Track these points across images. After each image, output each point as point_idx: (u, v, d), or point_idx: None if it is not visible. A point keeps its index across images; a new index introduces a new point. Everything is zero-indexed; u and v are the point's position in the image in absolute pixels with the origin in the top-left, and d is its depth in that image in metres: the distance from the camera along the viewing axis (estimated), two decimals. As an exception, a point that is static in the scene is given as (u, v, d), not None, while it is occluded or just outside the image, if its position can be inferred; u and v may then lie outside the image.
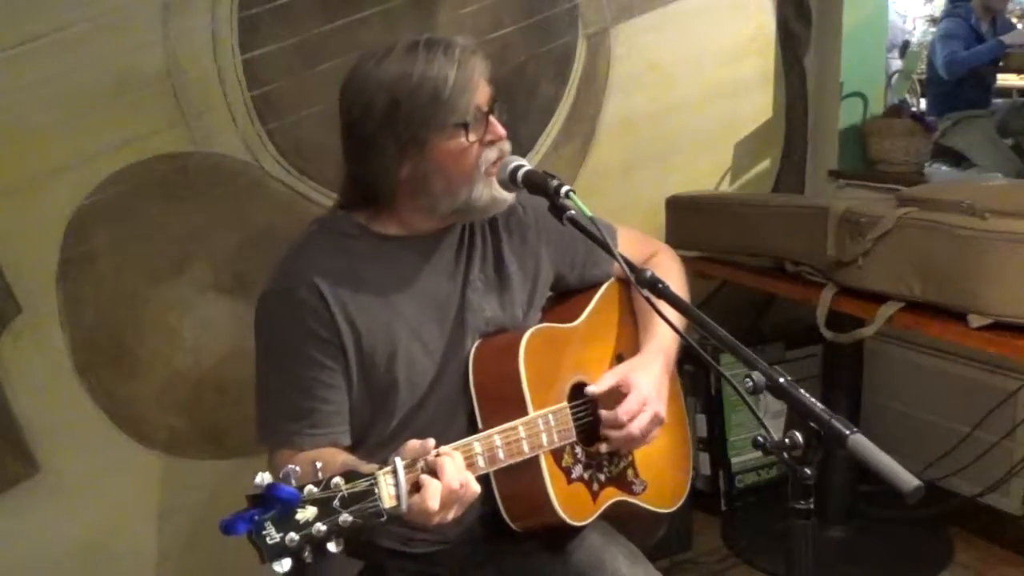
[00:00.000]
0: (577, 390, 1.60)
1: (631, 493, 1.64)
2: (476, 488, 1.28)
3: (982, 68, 4.69)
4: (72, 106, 2.00)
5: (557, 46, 2.61)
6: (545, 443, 1.47)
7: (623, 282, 1.76)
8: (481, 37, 2.38)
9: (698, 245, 2.76)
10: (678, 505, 1.75)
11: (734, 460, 2.97)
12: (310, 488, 1.12)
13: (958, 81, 4.62)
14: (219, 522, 1.09)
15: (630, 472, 1.65)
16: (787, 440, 1.13)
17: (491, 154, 1.46)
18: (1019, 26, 5.22)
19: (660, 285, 1.32)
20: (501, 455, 1.40)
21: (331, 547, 1.12)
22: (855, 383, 2.87)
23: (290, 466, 1.11)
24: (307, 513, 1.11)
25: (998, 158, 4.15)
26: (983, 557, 2.72)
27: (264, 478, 1.10)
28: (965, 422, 2.76)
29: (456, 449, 1.30)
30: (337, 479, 1.14)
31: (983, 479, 2.74)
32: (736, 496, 2.98)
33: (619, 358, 1.71)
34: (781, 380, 1.15)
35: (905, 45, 5.96)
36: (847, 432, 1.10)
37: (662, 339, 1.66)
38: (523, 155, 1.52)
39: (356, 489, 1.15)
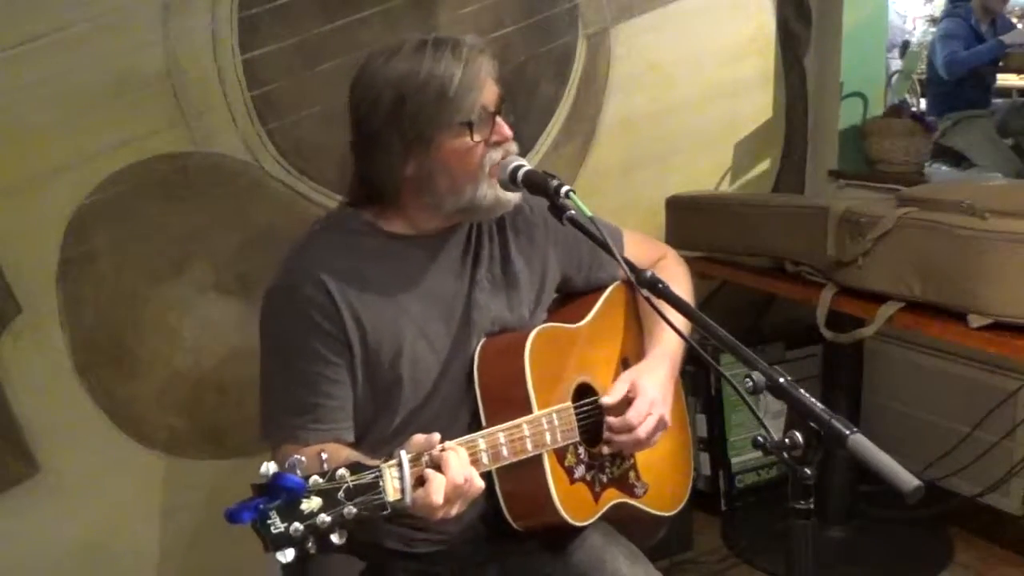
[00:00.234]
0: (581, 391, 1.60)
1: (632, 495, 1.64)
2: (480, 484, 1.29)
3: (982, 68, 4.69)
4: (72, 106, 2.00)
5: (557, 46, 2.61)
6: (549, 442, 1.47)
7: (629, 285, 1.76)
8: (481, 37, 2.38)
9: (698, 245, 2.76)
10: (678, 509, 1.75)
11: (734, 460, 2.97)
12: (315, 479, 1.12)
13: (958, 81, 4.62)
14: (224, 511, 1.09)
15: (632, 474, 1.66)
16: (787, 440, 1.13)
17: (496, 155, 1.47)
18: (1019, 26, 5.22)
19: (660, 285, 1.32)
20: (505, 452, 1.40)
21: (334, 539, 1.12)
22: (855, 383, 2.87)
23: (295, 456, 1.11)
24: (312, 504, 1.11)
25: (998, 158, 4.15)
26: (983, 557, 2.72)
27: (270, 467, 1.10)
28: (965, 422, 2.76)
29: (460, 445, 1.30)
30: (342, 471, 1.14)
31: (983, 479, 2.74)
32: (736, 496, 2.98)
33: (624, 361, 1.71)
34: (781, 380, 1.15)
35: (905, 45, 5.97)
36: (847, 432, 1.10)
37: (667, 344, 1.67)
38: (523, 155, 1.53)
39: (361, 481, 1.15)
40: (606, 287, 1.74)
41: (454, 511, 1.26)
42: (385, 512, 1.17)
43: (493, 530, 1.55)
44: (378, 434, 1.50)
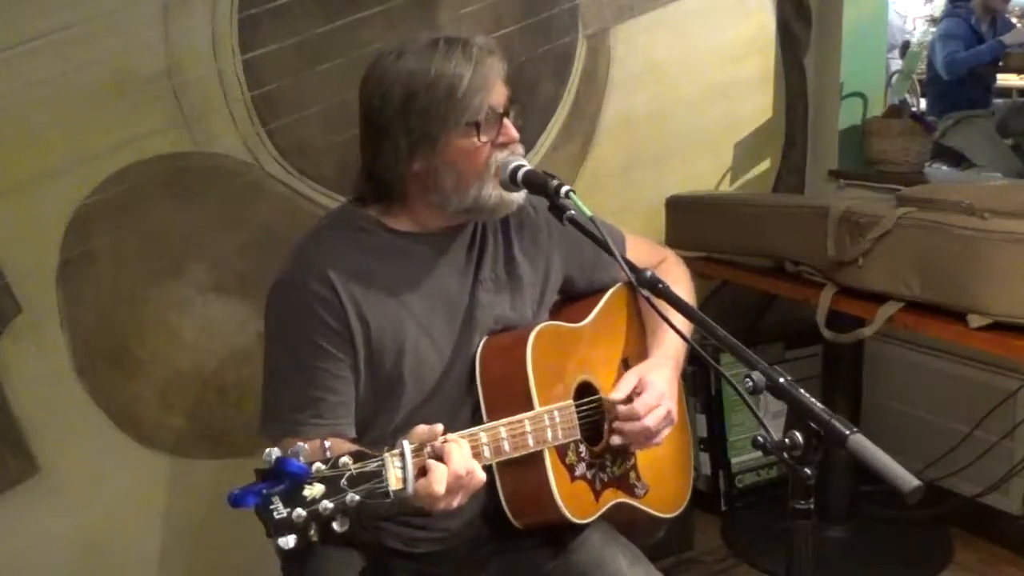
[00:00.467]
0: (582, 389, 1.60)
1: (633, 496, 1.65)
2: (481, 476, 1.29)
3: (982, 68, 4.68)
4: (72, 106, 2.00)
5: (557, 46, 2.61)
6: (550, 439, 1.48)
7: (631, 287, 1.76)
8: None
9: (698, 245, 2.76)
10: (679, 511, 1.75)
11: (734, 460, 2.97)
12: (318, 466, 1.12)
13: (958, 81, 4.62)
14: (228, 494, 1.09)
15: (632, 475, 1.66)
16: (787, 440, 1.14)
17: (502, 156, 1.47)
18: (1019, 26, 5.21)
19: (660, 285, 1.33)
20: (506, 447, 1.40)
21: (336, 526, 1.12)
22: (855, 383, 2.87)
23: (299, 443, 1.12)
24: (315, 490, 1.11)
25: (998, 158, 4.15)
26: (983, 557, 2.72)
27: (273, 452, 1.10)
28: (965, 422, 2.76)
29: (463, 437, 1.31)
30: (345, 458, 1.15)
31: (983, 479, 2.74)
32: (736, 496, 2.98)
33: (624, 361, 1.71)
34: (781, 380, 1.15)
35: (905, 45, 5.97)
36: (847, 432, 1.10)
37: (669, 346, 1.68)
38: (523, 155, 1.53)
39: (364, 469, 1.16)
40: (608, 289, 1.75)
41: (456, 503, 1.27)
42: (387, 500, 1.17)
43: (494, 529, 1.55)
44: (378, 431, 1.50)
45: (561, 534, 1.57)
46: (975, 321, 2.08)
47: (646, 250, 1.78)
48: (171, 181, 2.12)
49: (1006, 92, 5.68)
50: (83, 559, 2.14)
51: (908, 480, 1.06)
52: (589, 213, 1.39)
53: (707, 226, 2.74)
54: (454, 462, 1.24)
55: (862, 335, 2.37)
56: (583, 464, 1.56)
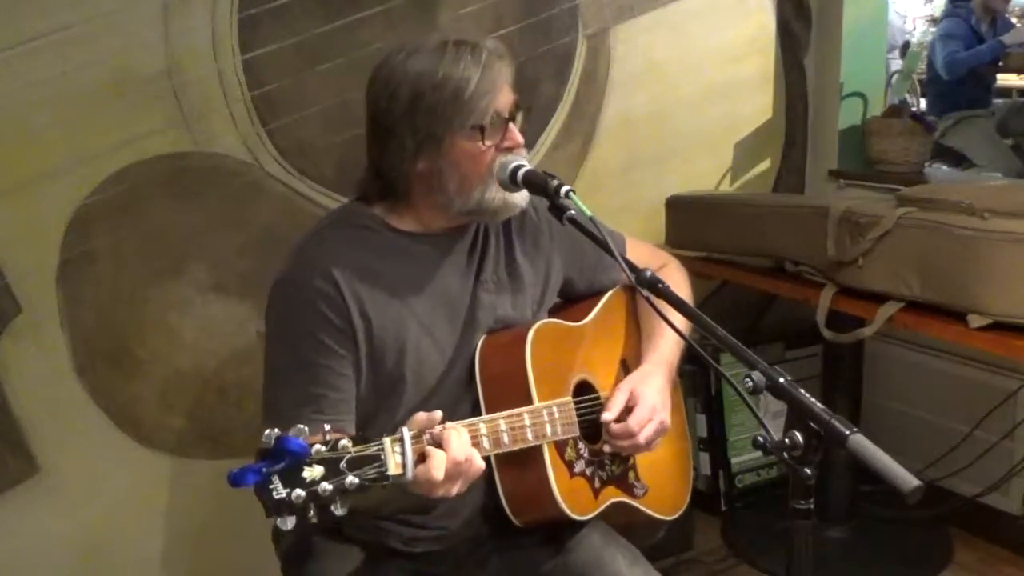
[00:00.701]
0: (581, 388, 1.61)
1: (632, 495, 1.65)
2: (480, 464, 1.30)
3: (982, 68, 4.68)
4: (72, 106, 2.00)
5: (557, 46, 2.61)
6: (549, 434, 1.48)
7: (630, 289, 1.76)
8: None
9: (698, 245, 2.76)
10: (678, 514, 1.76)
11: (734, 460, 2.97)
12: (318, 447, 1.12)
13: (958, 81, 4.61)
14: (227, 474, 1.09)
15: (631, 475, 1.66)
16: (787, 440, 1.13)
17: (506, 160, 1.47)
18: (1019, 26, 5.21)
19: (660, 285, 1.33)
20: (505, 439, 1.41)
21: (335, 509, 1.12)
22: (855, 383, 2.86)
23: (299, 425, 1.12)
24: (314, 472, 1.11)
25: (998, 158, 4.14)
26: (983, 557, 2.72)
27: (274, 432, 1.10)
28: (965, 422, 2.76)
29: (462, 427, 1.31)
30: (345, 441, 1.15)
31: (983, 479, 2.75)
32: (736, 496, 2.98)
33: (623, 362, 1.72)
34: (781, 380, 1.15)
35: (905, 45, 5.97)
36: (847, 432, 1.10)
37: (664, 351, 1.68)
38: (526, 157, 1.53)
39: (364, 453, 1.16)
40: (608, 291, 1.75)
41: (454, 490, 1.27)
42: (386, 483, 1.17)
43: (493, 528, 1.56)
44: (378, 430, 1.48)
45: (560, 533, 1.57)
46: (975, 321, 2.08)
47: (646, 253, 1.79)
48: (171, 181, 2.12)
49: (1006, 92, 5.68)
50: (83, 559, 2.14)
51: (908, 480, 1.06)
52: (589, 213, 1.39)
53: (707, 226, 2.74)
54: (453, 449, 1.25)
55: (862, 335, 2.37)
56: (582, 461, 1.56)
